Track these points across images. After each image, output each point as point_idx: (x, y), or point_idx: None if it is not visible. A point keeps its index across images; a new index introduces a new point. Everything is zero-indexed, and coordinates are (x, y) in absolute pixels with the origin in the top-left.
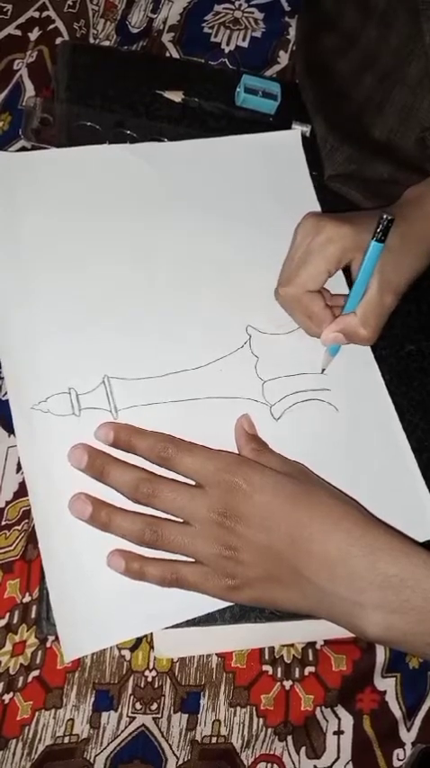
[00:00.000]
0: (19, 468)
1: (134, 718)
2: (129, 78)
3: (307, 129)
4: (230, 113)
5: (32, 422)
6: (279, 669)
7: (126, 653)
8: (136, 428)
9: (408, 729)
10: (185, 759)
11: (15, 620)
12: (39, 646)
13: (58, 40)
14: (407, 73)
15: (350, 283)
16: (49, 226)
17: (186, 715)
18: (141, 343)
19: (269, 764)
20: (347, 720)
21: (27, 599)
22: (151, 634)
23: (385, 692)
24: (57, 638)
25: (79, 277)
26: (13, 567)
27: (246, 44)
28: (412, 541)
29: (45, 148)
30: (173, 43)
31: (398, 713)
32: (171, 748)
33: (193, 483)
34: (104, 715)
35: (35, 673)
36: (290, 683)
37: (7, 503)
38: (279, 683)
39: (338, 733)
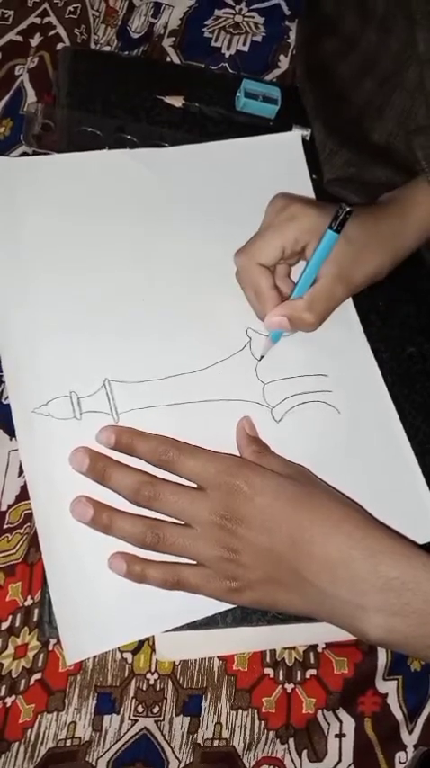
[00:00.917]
0: (21, 471)
1: (136, 720)
2: (129, 83)
3: (307, 132)
4: (231, 118)
5: (33, 425)
6: (280, 672)
7: (128, 656)
8: (137, 431)
9: (410, 732)
10: (187, 762)
11: (17, 623)
12: (41, 649)
13: (59, 46)
14: (407, 77)
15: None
16: (50, 230)
17: (188, 718)
18: (142, 347)
19: (271, 767)
20: (349, 723)
21: (29, 602)
22: (153, 637)
23: (387, 695)
24: (59, 641)
25: (80, 281)
26: (15, 570)
27: (246, 48)
28: (413, 544)
29: (46, 154)
30: (173, 48)
31: (399, 716)
32: (173, 751)
33: (195, 486)
34: (106, 718)
35: (37, 676)
36: (291, 685)
37: (9, 506)
38: (280, 686)
39: (340, 736)
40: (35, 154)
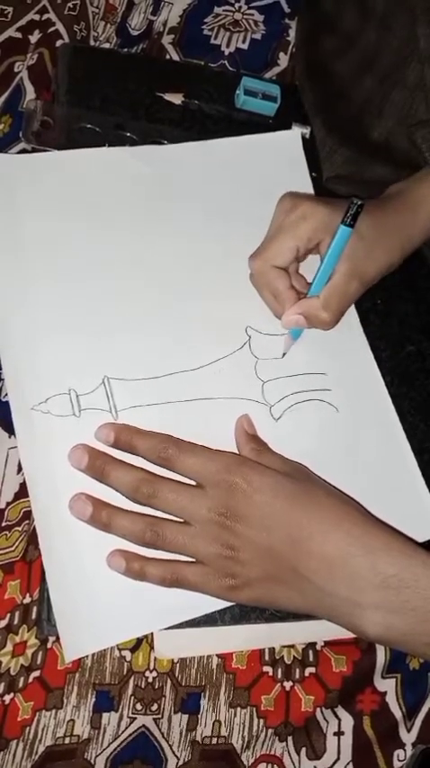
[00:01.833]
0: (19, 469)
1: (134, 718)
2: (129, 80)
3: (306, 130)
4: (230, 115)
5: (32, 423)
6: (279, 670)
7: (126, 654)
8: (136, 429)
9: (409, 730)
10: (186, 760)
11: (16, 621)
12: (39, 646)
13: (59, 43)
14: (407, 75)
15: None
16: (49, 227)
17: (187, 716)
18: (141, 344)
19: (269, 765)
20: (347, 721)
21: (27, 600)
22: (151, 635)
23: (385, 693)
24: (57, 639)
25: (79, 278)
26: (13, 567)
27: (245, 46)
28: (412, 542)
29: (45, 151)
30: (173, 45)
31: (398, 714)
32: (171, 749)
33: (194, 483)
34: (105, 716)
35: (36, 673)
36: (290, 683)
37: (8, 504)
38: (279, 684)
39: (338, 734)
40: (34, 151)
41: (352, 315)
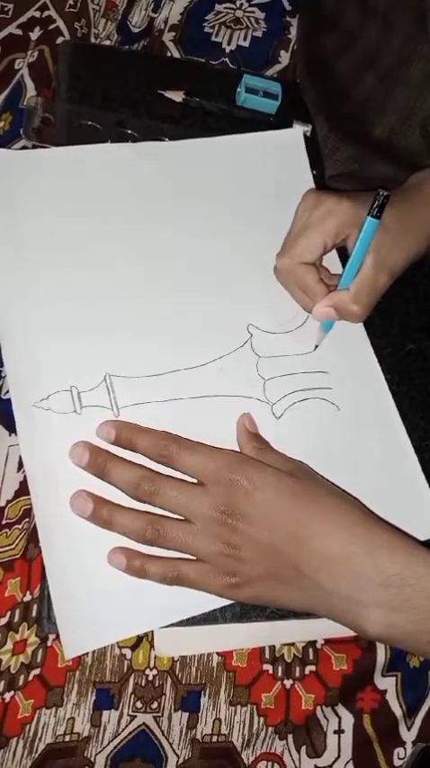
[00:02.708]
0: (20, 467)
1: (135, 716)
2: (130, 78)
3: (308, 128)
4: (231, 113)
5: (34, 420)
6: (279, 668)
7: (127, 651)
8: (137, 426)
9: (409, 728)
10: (186, 758)
11: (16, 619)
12: (39, 644)
13: (59, 40)
14: (409, 73)
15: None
16: (50, 224)
17: (187, 714)
18: (142, 342)
19: (269, 763)
20: (348, 719)
21: (28, 598)
22: (152, 633)
23: (385, 691)
24: (57, 637)
25: (80, 275)
26: (13, 565)
27: (247, 44)
28: (413, 540)
29: (46, 148)
30: (174, 43)
31: (398, 712)
32: (171, 747)
33: (195, 481)
34: (105, 713)
35: (36, 671)
36: (290, 681)
37: (8, 501)
38: (279, 682)
39: (339, 732)
40: (35, 148)
41: None
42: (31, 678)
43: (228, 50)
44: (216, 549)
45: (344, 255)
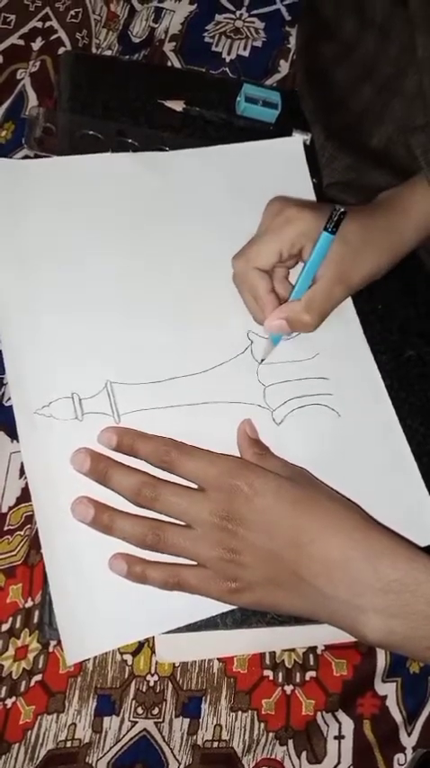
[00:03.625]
0: (21, 473)
1: (136, 722)
2: (130, 88)
3: (307, 137)
4: (231, 122)
5: (35, 426)
6: (280, 674)
7: (128, 657)
8: (139, 432)
9: (409, 734)
10: (187, 763)
11: (18, 625)
12: (41, 650)
13: (61, 50)
14: (406, 83)
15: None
16: (52, 233)
17: (188, 719)
18: (143, 349)
19: None
20: (348, 725)
21: (29, 604)
22: (153, 639)
23: (386, 697)
24: (59, 643)
25: (82, 284)
26: (15, 571)
27: (246, 53)
28: (413, 545)
29: (48, 157)
30: (174, 53)
31: (398, 718)
32: (172, 753)
33: (196, 487)
34: (106, 719)
35: (37, 677)
36: (291, 687)
37: (10, 508)
38: (280, 688)
39: (339, 738)
40: (37, 157)
41: (353, 320)
42: (32, 684)
43: (227, 60)
44: (216, 554)
45: None
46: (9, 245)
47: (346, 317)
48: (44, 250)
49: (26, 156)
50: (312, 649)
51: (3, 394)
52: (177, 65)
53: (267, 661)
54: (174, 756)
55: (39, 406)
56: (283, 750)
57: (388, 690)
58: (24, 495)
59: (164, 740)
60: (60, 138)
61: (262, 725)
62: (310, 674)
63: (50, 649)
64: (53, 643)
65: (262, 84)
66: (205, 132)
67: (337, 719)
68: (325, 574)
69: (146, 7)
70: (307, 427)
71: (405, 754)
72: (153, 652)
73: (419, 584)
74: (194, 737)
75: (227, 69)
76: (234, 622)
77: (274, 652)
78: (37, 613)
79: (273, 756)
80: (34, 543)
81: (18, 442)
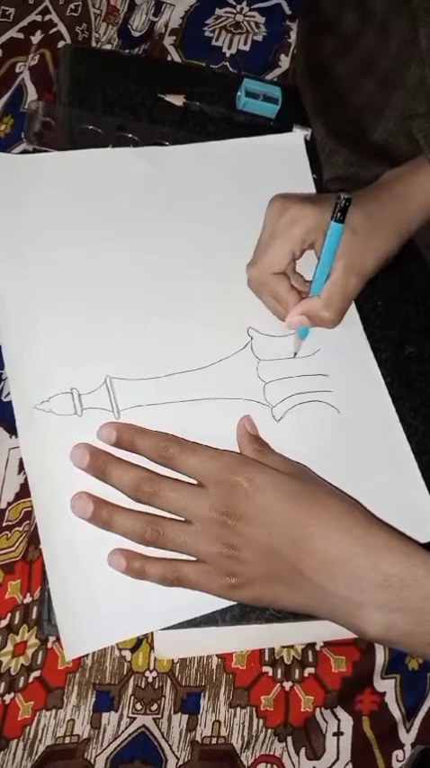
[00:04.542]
0: (20, 469)
1: (134, 718)
2: (130, 82)
3: (308, 132)
4: (231, 117)
5: (35, 422)
6: (279, 670)
7: (126, 653)
8: (138, 428)
9: (408, 731)
10: (185, 760)
11: (16, 621)
12: (40, 646)
13: (61, 44)
14: (407, 77)
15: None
16: (51, 228)
17: (186, 716)
18: (143, 344)
19: (269, 765)
20: (347, 721)
21: (28, 600)
22: (152, 635)
23: (385, 694)
24: (57, 639)
25: (81, 279)
26: (14, 567)
27: (247, 48)
28: (413, 541)
29: (47, 152)
30: (174, 47)
31: (397, 714)
32: (171, 749)
33: (195, 482)
34: (105, 715)
35: (36, 673)
36: (289, 684)
37: (9, 504)
38: (279, 684)
39: (338, 734)
40: (36, 151)
41: (353, 316)
42: (31, 680)
43: (228, 54)
44: (216, 549)
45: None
46: (7, 240)
47: (347, 314)
48: (43, 245)
49: (25, 151)
50: (311, 646)
51: (2, 389)
52: (177, 59)
53: (266, 657)
54: (173, 752)
55: (38, 402)
56: (282, 746)
57: (387, 686)
58: (23, 491)
59: (162, 736)
60: (60, 132)
61: (260, 721)
62: (309, 670)
63: (49, 645)
64: (52, 639)
65: (262, 78)
66: (205, 127)
67: (336, 716)
68: (324, 569)
69: (146, 1)
70: (306, 424)
71: (403, 751)
72: (152, 648)
73: (418, 579)
74: (193, 733)
75: (227, 64)
76: (233, 618)
77: (273, 648)
78: (35, 609)
79: (271, 753)
80: (33, 539)
81: (17, 437)
